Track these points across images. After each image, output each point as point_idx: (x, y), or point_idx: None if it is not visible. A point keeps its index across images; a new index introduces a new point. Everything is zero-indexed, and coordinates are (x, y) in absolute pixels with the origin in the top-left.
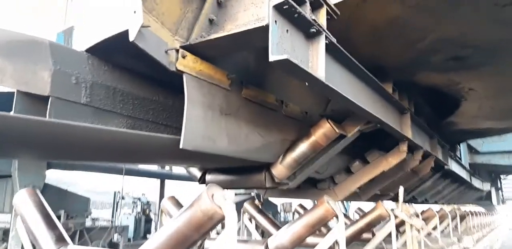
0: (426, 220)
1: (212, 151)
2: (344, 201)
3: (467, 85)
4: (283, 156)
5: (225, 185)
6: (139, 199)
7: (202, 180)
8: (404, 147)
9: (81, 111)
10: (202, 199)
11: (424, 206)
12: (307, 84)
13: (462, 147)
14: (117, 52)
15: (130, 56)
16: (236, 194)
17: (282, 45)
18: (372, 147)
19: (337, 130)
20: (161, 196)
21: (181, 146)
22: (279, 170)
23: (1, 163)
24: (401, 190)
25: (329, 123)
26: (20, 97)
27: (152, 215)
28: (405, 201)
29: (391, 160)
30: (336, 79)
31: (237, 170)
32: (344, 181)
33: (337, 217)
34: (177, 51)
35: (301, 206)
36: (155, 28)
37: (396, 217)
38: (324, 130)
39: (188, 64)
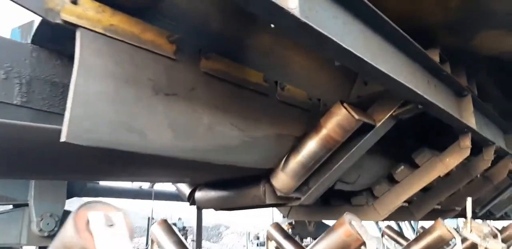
0: (508, 240)
1: (137, 149)
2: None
3: None
4: (285, 159)
5: (218, 204)
6: (174, 224)
7: (191, 200)
8: (466, 142)
9: (12, 114)
10: (66, 228)
11: (504, 223)
12: (272, 25)
13: None
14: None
15: None
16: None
17: None
18: (422, 146)
19: (356, 117)
20: (199, 221)
21: (63, 138)
22: (281, 179)
23: (17, 191)
24: (468, 202)
25: (344, 107)
26: None
27: (190, 242)
28: (478, 217)
29: (450, 161)
30: (335, 26)
31: (232, 184)
32: (386, 194)
33: (364, 245)
34: None
35: None
36: None
37: (464, 239)
38: (338, 118)
39: (85, 15)
